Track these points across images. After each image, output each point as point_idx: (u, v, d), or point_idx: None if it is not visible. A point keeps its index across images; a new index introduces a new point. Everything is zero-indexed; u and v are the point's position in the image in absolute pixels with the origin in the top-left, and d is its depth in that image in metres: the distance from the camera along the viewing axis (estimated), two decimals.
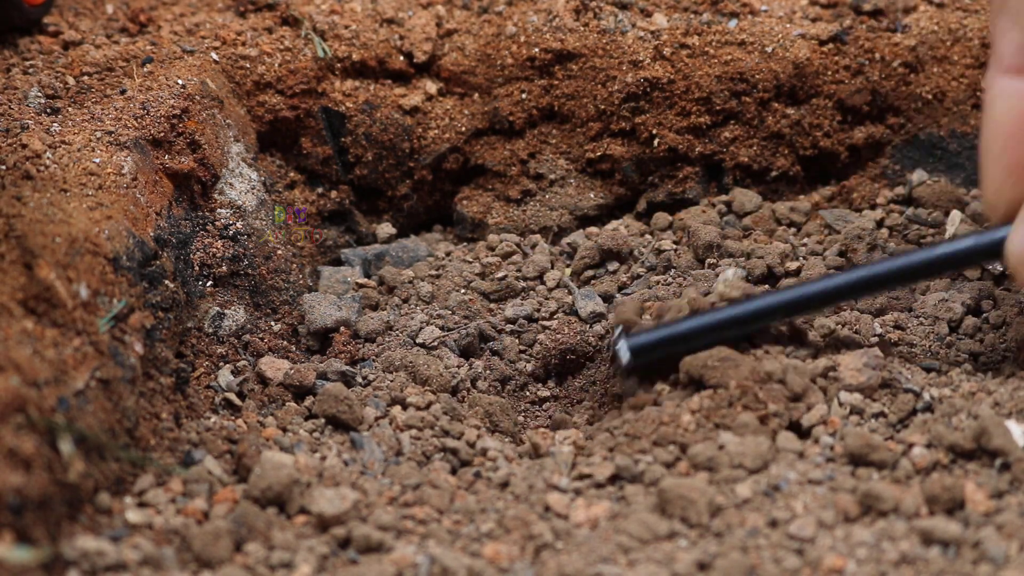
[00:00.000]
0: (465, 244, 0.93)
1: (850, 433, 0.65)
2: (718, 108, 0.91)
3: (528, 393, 0.83)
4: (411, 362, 0.78)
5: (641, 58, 0.91)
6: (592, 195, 0.93)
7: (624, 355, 0.72)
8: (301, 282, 0.85)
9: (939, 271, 0.72)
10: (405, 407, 0.74)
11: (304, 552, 0.61)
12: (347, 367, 0.77)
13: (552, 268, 0.89)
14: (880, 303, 0.80)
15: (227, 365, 0.76)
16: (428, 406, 0.74)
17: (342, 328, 0.81)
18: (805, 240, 0.88)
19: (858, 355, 0.70)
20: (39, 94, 0.81)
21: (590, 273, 0.88)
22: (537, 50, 0.91)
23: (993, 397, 0.68)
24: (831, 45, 0.92)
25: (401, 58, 0.92)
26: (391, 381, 0.76)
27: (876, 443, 0.65)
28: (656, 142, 0.92)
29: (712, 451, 0.65)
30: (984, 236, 0.70)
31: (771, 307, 0.71)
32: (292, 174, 0.91)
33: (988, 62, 0.70)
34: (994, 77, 0.70)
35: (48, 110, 0.80)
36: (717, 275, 0.83)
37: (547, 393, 0.83)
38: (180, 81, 0.82)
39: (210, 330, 0.78)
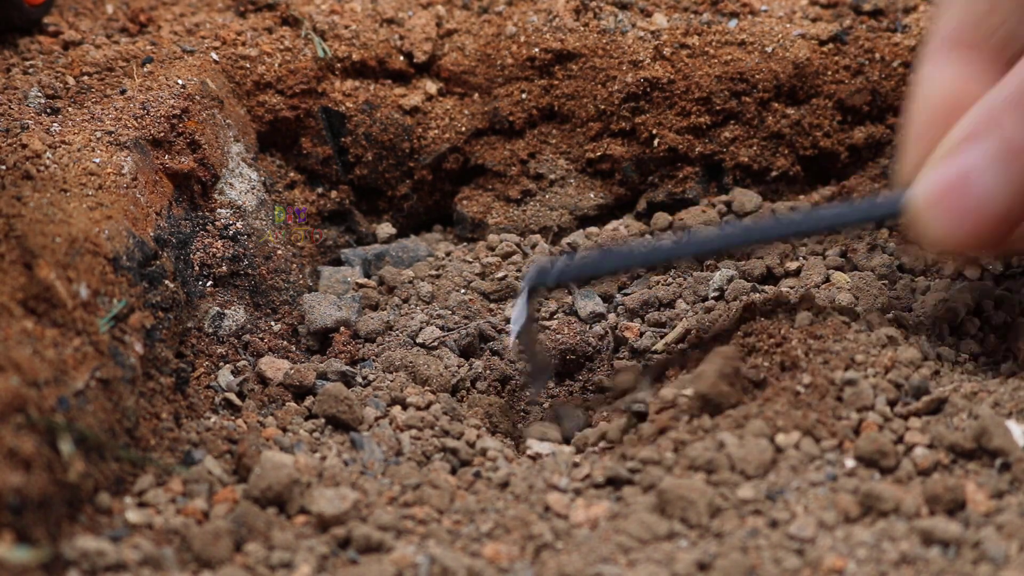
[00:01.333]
0: (465, 244, 0.93)
1: (862, 437, 0.65)
2: (718, 108, 0.91)
3: (528, 393, 0.83)
4: (411, 362, 0.78)
5: (641, 58, 0.91)
6: (592, 195, 0.93)
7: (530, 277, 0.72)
8: (301, 282, 0.85)
9: (847, 226, 0.72)
10: (405, 407, 0.74)
11: (304, 552, 0.61)
12: (347, 367, 0.77)
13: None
14: (881, 302, 0.80)
15: (227, 365, 0.76)
16: (428, 406, 0.74)
17: (342, 328, 0.81)
18: (805, 240, 0.88)
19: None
20: (39, 94, 0.81)
21: None
22: (537, 50, 0.91)
23: (993, 397, 0.68)
24: (831, 45, 0.92)
25: (401, 58, 0.92)
26: (391, 381, 0.76)
27: (887, 449, 0.65)
28: (656, 142, 0.92)
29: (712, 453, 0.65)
30: (891, 195, 0.70)
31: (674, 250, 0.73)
32: (292, 174, 0.91)
33: (929, 35, 0.70)
34: (930, 53, 0.69)
35: (48, 110, 0.80)
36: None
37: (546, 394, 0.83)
38: (180, 81, 0.82)
39: (210, 330, 0.78)
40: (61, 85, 0.82)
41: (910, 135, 0.70)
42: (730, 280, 0.83)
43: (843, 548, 0.60)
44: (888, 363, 0.70)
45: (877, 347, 0.70)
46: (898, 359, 0.70)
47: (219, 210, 0.81)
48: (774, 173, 0.93)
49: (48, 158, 0.74)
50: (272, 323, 0.81)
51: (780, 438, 0.66)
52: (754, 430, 0.66)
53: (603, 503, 0.65)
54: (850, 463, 0.65)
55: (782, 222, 0.71)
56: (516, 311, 0.72)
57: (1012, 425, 0.65)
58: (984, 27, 0.68)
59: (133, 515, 0.62)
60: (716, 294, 0.83)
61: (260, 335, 0.79)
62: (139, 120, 0.78)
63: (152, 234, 0.74)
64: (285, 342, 0.80)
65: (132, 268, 0.70)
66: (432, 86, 0.93)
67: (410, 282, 0.87)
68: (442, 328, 0.83)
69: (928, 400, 0.68)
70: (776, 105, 0.92)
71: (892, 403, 0.68)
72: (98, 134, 0.77)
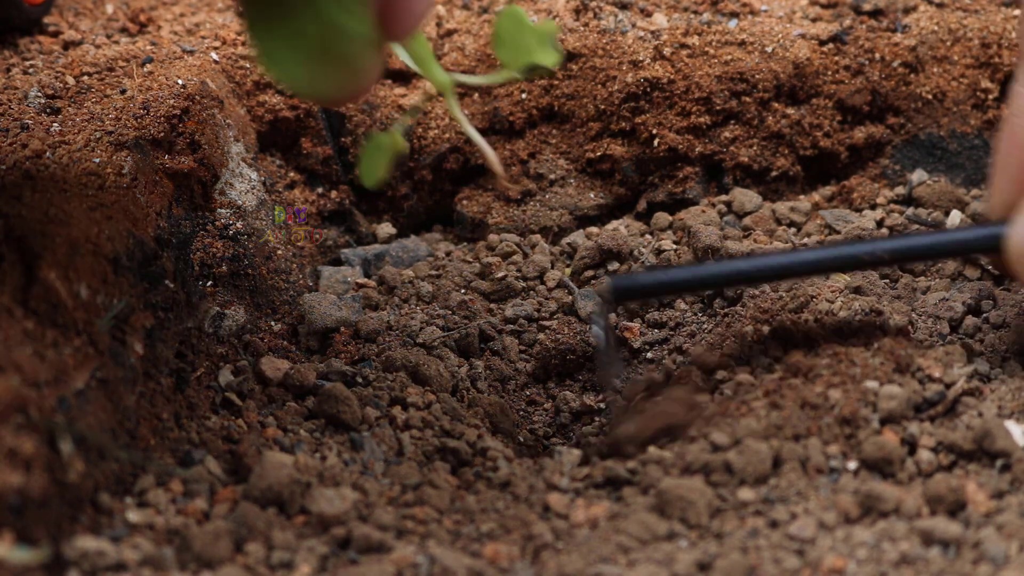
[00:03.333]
0: (465, 244, 0.93)
1: (867, 441, 0.65)
2: (718, 108, 0.91)
3: (528, 393, 0.83)
4: (411, 362, 0.78)
5: (641, 58, 0.91)
6: (592, 195, 0.93)
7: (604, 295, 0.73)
8: (301, 282, 0.85)
9: (938, 257, 0.71)
10: (405, 407, 0.74)
11: (304, 552, 0.61)
12: (347, 367, 0.77)
13: (552, 268, 0.89)
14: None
15: (227, 365, 0.76)
16: (428, 406, 0.74)
17: (342, 328, 0.81)
18: (805, 240, 0.88)
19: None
20: (39, 94, 0.81)
21: (590, 273, 0.88)
22: None
23: (995, 397, 0.68)
24: (831, 45, 0.92)
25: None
26: (391, 381, 0.76)
27: (894, 456, 0.64)
28: (656, 142, 0.92)
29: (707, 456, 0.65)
30: (985, 228, 0.70)
31: (764, 268, 0.72)
32: (292, 174, 0.91)
33: (1016, 71, 0.70)
34: (1021, 88, 0.69)
35: (48, 110, 0.80)
36: None
37: (545, 394, 0.83)
38: (180, 81, 0.82)
39: (210, 330, 0.78)
40: (61, 85, 0.82)
41: (1001, 168, 0.70)
42: None
43: (843, 548, 0.60)
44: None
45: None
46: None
47: (219, 210, 0.81)
48: (774, 173, 0.93)
49: (48, 158, 0.74)
50: (272, 323, 0.81)
51: (784, 444, 0.66)
52: (755, 434, 0.66)
53: (603, 503, 0.65)
54: (853, 465, 0.65)
55: (864, 248, 0.70)
56: (595, 328, 0.74)
57: (1012, 426, 0.65)
58: None
59: (133, 515, 0.62)
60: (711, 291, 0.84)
61: (260, 335, 0.79)
62: (139, 120, 0.78)
63: (152, 234, 0.74)
64: (285, 342, 0.80)
65: (132, 268, 0.70)
66: (432, 86, 0.93)
67: (410, 282, 0.87)
68: (442, 328, 0.83)
69: (942, 407, 0.67)
70: (776, 105, 0.92)
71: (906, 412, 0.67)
72: (98, 134, 0.77)
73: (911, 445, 0.65)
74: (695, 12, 0.95)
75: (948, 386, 0.68)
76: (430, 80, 0.69)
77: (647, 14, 0.95)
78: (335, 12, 0.59)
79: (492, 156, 0.70)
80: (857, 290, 0.81)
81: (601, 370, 0.73)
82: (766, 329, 0.76)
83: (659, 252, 0.88)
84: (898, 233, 0.73)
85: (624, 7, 0.95)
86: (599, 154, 0.92)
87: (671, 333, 0.84)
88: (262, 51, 0.60)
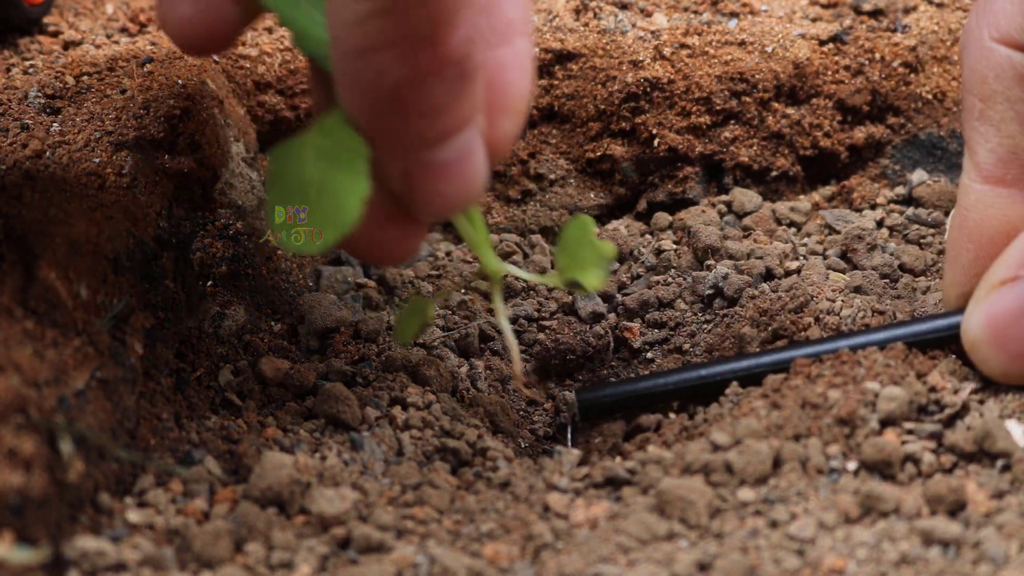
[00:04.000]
0: (465, 244, 0.93)
1: (867, 444, 0.65)
2: (718, 108, 0.91)
3: (528, 393, 0.83)
4: (411, 362, 0.78)
5: (641, 58, 0.91)
6: (592, 195, 0.93)
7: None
8: (301, 282, 0.85)
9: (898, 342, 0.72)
10: (405, 407, 0.74)
11: (304, 552, 0.61)
12: (347, 367, 0.77)
13: (552, 268, 0.89)
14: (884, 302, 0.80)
15: (227, 365, 0.76)
16: (428, 406, 0.74)
17: (342, 328, 0.81)
18: (805, 240, 0.88)
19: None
20: (39, 94, 0.81)
21: None
22: (537, 50, 0.91)
23: (995, 398, 0.68)
24: (831, 45, 0.92)
25: None
26: (391, 381, 0.76)
27: (894, 458, 0.64)
28: (656, 142, 0.92)
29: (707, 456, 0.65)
30: (940, 319, 0.71)
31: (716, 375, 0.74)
32: None
33: (964, 162, 0.71)
34: (971, 183, 0.70)
35: (48, 110, 0.80)
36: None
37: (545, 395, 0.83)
38: (180, 81, 0.82)
39: (210, 330, 0.78)
40: (61, 85, 0.82)
41: (954, 261, 0.72)
42: (726, 277, 0.83)
43: (843, 548, 0.60)
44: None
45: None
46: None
47: (219, 210, 0.81)
48: (774, 173, 0.93)
49: (48, 158, 0.74)
50: (272, 323, 0.81)
51: (784, 444, 0.66)
52: (755, 434, 0.66)
53: (603, 503, 0.65)
54: (853, 465, 0.65)
55: (824, 347, 0.72)
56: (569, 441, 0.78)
57: (1012, 426, 0.65)
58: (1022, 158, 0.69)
59: (133, 515, 0.62)
60: (711, 291, 0.83)
61: (260, 335, 0.79)
62: (139, 120, 0.78)
63: (152, 234, 0.74)
64: (285, 342, 0.80)
65: (132, 268, 0.70)
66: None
67: (410, 282, 0.87)
68: (442, 328, 0.83)
69: (944, 416, 0.67)
70: (776, 105, 0.92)
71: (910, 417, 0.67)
72: (98, 134, 0.77)
73: (911, 446, 0.65)
74: (695, 12, 0.95)
75: (953, 402, 0.68)
76: (481, 264, 0.71)
77: (647, 14, 0.95)
78: (331, 167, 0.61)
79: (517, 358, 0.72)
80: (857, 290, 0.81)
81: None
82: (768, 332, 0.76)
83: (659, 252, 0.88)
84: (850, 331, 0.74)
85: (624, 7, 0.95)
86: (599, 154, 0.92)
87: (671, 333, 0.84)
88: (270, 203, 0.62)
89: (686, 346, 0.83)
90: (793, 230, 0.90)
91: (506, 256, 0.89)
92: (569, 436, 0.78)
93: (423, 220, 0.65)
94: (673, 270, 0.86)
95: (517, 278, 0.87)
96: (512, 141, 0.69)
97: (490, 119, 0.64)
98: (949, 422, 0.67)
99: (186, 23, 0.63)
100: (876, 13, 0.94)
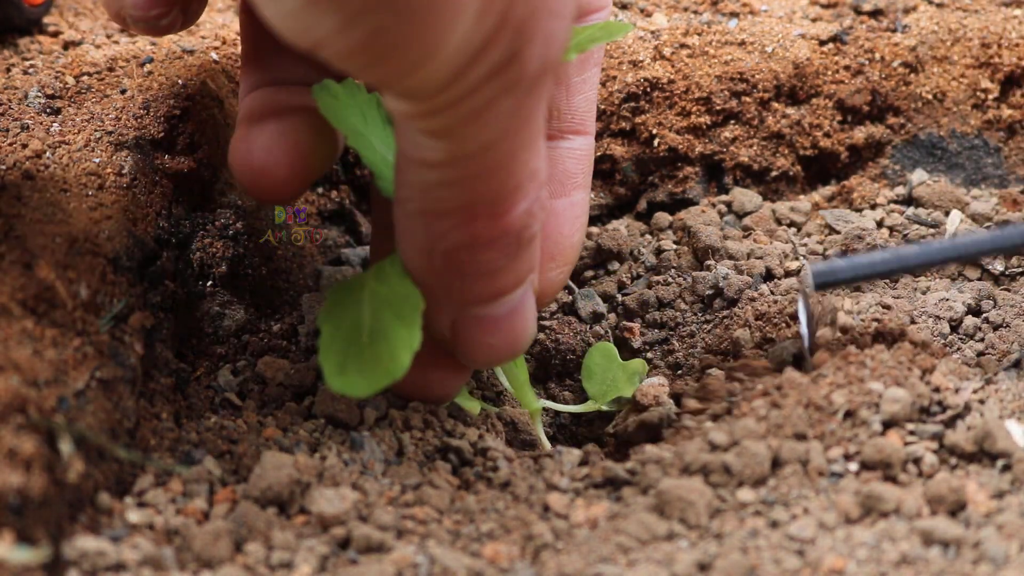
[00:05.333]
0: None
1: (867, 444, 0.65)
2: (718, 108, 0.91)
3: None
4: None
5: (641, 58, 0.91)
6: (592, 195, 0.93)
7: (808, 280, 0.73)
8: (301, 282, 0.85)
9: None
10: (405, 407, 0.74)
11: (304, 552, 0.60)
12: None
13: None
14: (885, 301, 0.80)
15: (227, 365, 0.76)
16: (428, 406, 0.74)
17: None
18: (805, 240, 0.88)
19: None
20: (39, 94, 0.81)
21: (590, 273, 0.88)
22: None
23: (994, 398, 0.68)
24: (831, 45, 0.92)
25: None
26: None
27: (894, 459, 0.64)
28: (656, 142, 0.92)
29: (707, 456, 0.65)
30: None
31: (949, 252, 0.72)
32: None
33: None
34: None
35: (48, 110, 0.80)
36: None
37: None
38: (180, 81, 0.82)
39: (210, 330, 0.78)
40: (61, 85, 0.82)
41: None
42: (726, 277, 0.83)
43: (843, 548, 0.60)
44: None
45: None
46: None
47: (219, 210, 0.81)
48: (774, 173, 0.93)
49: (48, 158, 0.74)
50: (272, 323, 0.81)
51: (783, 444, 0.66)
52: (755, 434, 0.66)
53: (603, 503, 0.65)
54: (853, 466, 0.65)
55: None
56: (801, 314, 0.73)
57: (1012, 426, 0.65)
58: None
59: (133, 515, 0.62)
60: (711, 291, 0.83)
61: (260, 335, 0.79)
62: (139, 120, 0.78)
63: (152, 234, 0.74)
64: (285, 342, 0.80)
65: (132, 268, 0.70)
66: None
67: None
68: None
69: (947, 417, 0.67)
70: (776, 105, 0.92)
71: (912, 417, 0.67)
72: (98, 134, 0.77)
73: (913, 447, 0.65)
74: (695, 12, 0.95)
75: (957, 402, 0.67)
76: (520, 401, 0.73)
77: (647, 14, 0.95)
78: (385, 314, 0.62)
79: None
80: (857, 290, 0.81)
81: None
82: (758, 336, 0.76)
83: (659, 252, 0.88)
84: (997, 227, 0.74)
85: (624, 7, 0.95)
86: (599, 154, 0.92)
87: (671, 333, 0.84)
88: (324, 339, 0.63)
89: (685, 346, 0.83)
90: (793, 230, 0.90)
91: None
92: (802, 312, 0.74)
93: (469, 367, 0.66)
94: (673, 270, 0.86)
95: None
96: (560, 288, 0.71)
97: (541, 267, 0.66)
98: (950, 422, 0.67)
99: (260, 168, 0.66)
100: (876, 13, 0.94)
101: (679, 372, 0.82)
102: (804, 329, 0.73)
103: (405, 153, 0.58)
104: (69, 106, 0.80)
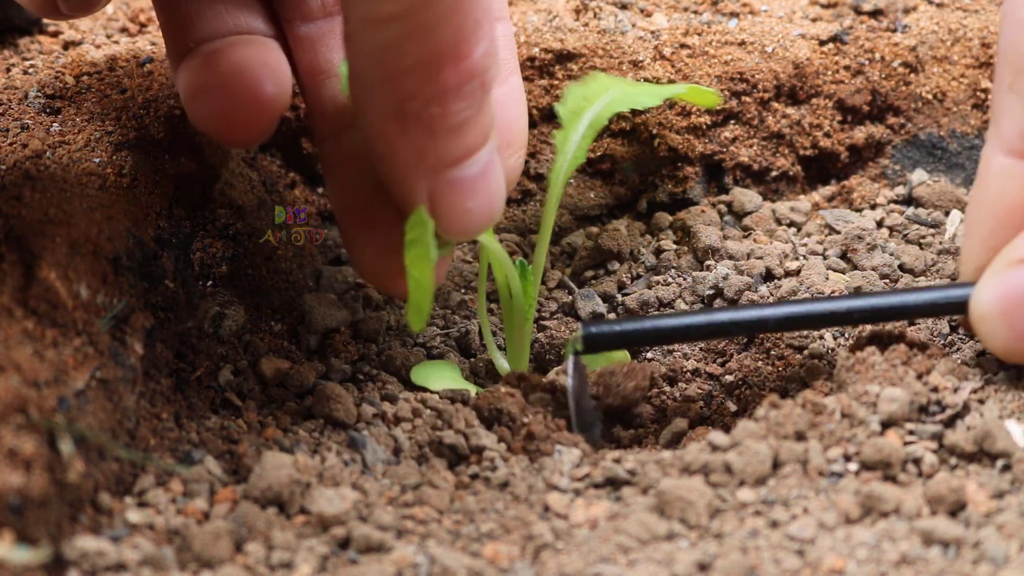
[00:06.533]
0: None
1: (867, 444, 0.65)
2: (718, 108, 0.91)
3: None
4: (410, 362, 0.78)
5: (641, 58, 0.91)
6: (592, 195, 0.93)
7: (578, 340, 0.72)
8: (301, 282, 0.85)
9: (903, 316, 0.72)
10: (395, 401, 0.74)
11: (304, 552, 0.61)
12: (347, 367, 0.77)
13: (552, 268, 0.89)
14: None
15: (227, 365, 0.76)
16: (428, 405, 0.74)
17: (342, 328, 0.81)
18: (805, 240, 0.88)
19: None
20: (39, 94, 0.81)
21: (590, 273, 0.88)
22: (537, 50, 0.91)
23: (994, 398, 0.68)
24: (831, 45, 0.92)
25: None
26: (391, 381, 0.76)
27: (894, 459, 0.64)
28: (656, 142, 0.92)
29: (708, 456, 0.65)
30: (953, 289, 0.70)
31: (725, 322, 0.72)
32: (292, 174, 0.91)
33: (988, 133, 0.69)
34: (994, 154, 0.69)
35: (48, 110, 0.80)
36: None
37: None
38: None
39: (210, 330, 0.78)
40: (61, 85, 0.82)
41: (972, 232, 0.70)
42: (726, 277, 0.83)
43: (843, 548, 0.60)
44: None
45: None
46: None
47: (219, 210, 0.81)
48: (774, 173, 0.93)
49: (48, 158, 0.74)
50: (272, 323, 0.81)
51: (783, 444, 0.66)
52: (755, 434, 0.66)
53: (603, 503, 0.65)
54: (853, 466, 0.65)
55: (837, 305, 0.71)
56: (569, 376, 0.72)
57: (1012, 426, 0.65)
58: None
59: (133, 515, 0.62)
60: (711, 291, 0.83)
61: (260, 335, 0.79)
62: (139, 120, 0.78)
63: (152, 234, 0.74)
64: (285, 342, 0.80)
65: (132, 268, 0.70)
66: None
67: None
68: (442, 328, 0.83)
69: (945, 417, 0.67)
70: (776, 105, 0.92)
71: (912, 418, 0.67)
72: (98, 134, 0.77)
73: (912, 447, 0.65)
74: (695, 12, 0.95)
75: (955, 402, 0.67)
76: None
77: (647, 14, 0.95)
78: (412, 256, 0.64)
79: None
80: (857, 290, 0.81)
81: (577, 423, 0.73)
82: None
83: (659, 252, 0.88)
84: (863, 293, 0.73)
85: (624, 7, 0.95)
86: (599, 154, 0.92)
87: None
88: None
89: (684, 348, 0.83)
90: (793, 230, 0.90)
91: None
92: (570, 372, 0.72)
93: (451, 240, 0.66)
94: (673, 270, 0.86)
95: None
96: (518, 174, 0.72)
97: (500, 155, 0.66)
98: (949, 422, 0.67)
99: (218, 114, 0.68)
100: (876, 13, 0.94)
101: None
102: (572, 402, 0.72)
103: (359, 16, 0.59)
104: (69, 106, 0.80)
